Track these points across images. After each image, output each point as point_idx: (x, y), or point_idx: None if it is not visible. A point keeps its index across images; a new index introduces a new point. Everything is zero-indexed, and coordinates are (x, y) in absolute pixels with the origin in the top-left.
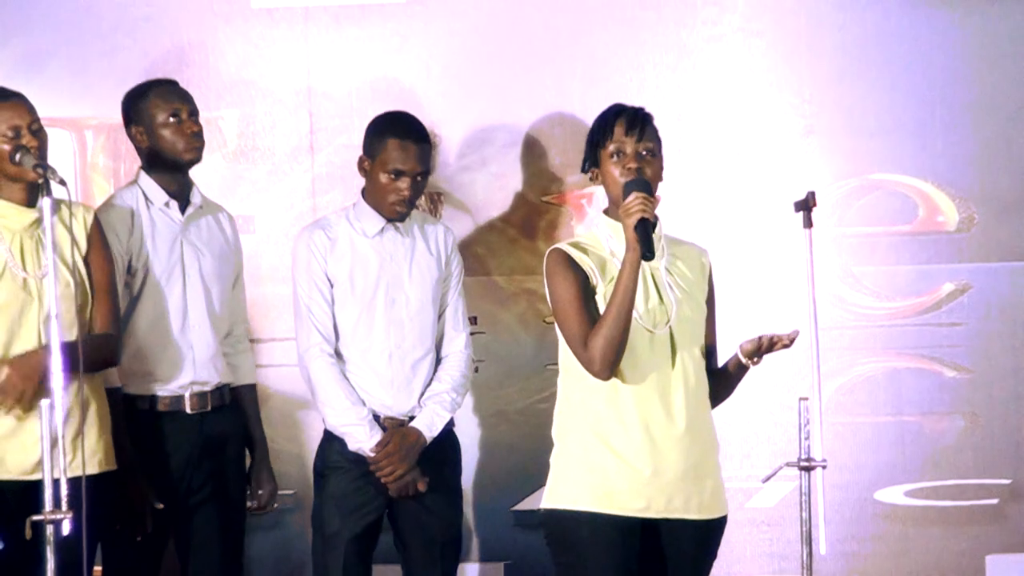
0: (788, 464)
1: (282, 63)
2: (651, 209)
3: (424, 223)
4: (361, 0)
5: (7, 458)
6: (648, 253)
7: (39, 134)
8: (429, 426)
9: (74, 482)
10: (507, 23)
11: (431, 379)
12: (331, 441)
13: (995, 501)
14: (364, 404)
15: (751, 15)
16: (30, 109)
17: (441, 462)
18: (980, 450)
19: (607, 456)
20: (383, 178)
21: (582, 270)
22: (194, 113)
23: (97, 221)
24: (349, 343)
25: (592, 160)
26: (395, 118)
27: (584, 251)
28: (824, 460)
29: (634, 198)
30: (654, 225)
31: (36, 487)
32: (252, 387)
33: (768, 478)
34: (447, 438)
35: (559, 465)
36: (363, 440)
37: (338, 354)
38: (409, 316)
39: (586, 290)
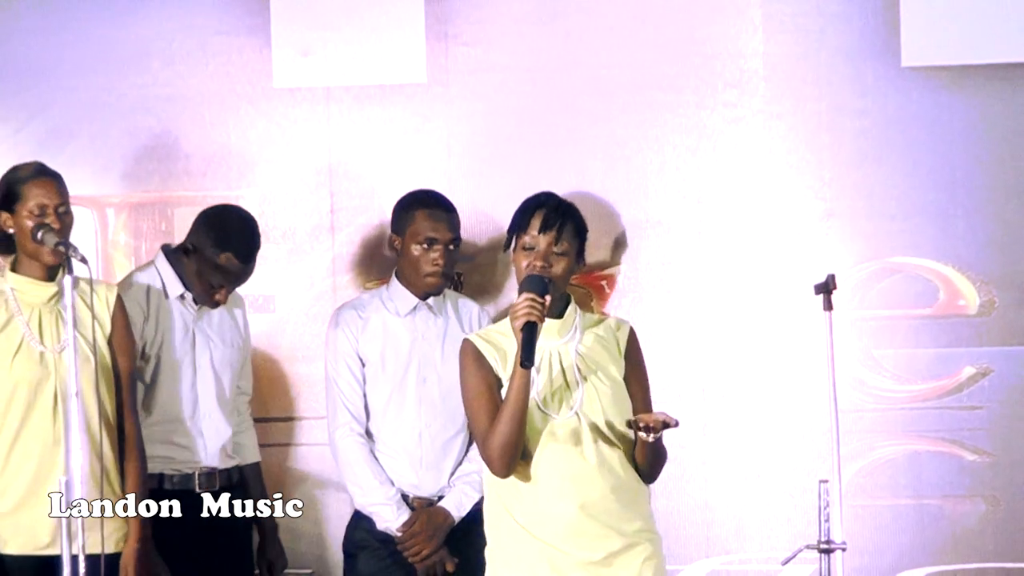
0: (808, 546)
1: (303, 143)
2: (539, 312)
3: (457, 302)
4: (382, 81)
5: (19, 533)
6: (527, 361)
7: (64, 216)
8: (457, 506)
9: (92, 559)
10: (528, 105)
11: (461, 459)
12: (360, 521)
13: None
14: (392, 484)
15: (771, 98)
16: (60, 191)
17: (469, 543)
18: (1001, 534)
19: (533, 544)
20: (416, 250)
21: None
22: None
23: (120, 302)
24: (380, 422)
25: (512, 244)
26: (421, 192)
27: (492, 343)
28: (844, 543)
29: (523, 300)
30: (539, 326)
31: (49, 564)
32: (256, 466)
33: (788, 560)
34: (476, 518)
35: (492, 559)
36: (390, 520)
37: (368, 433)
38: (440, 395)
39: (494, 382)
